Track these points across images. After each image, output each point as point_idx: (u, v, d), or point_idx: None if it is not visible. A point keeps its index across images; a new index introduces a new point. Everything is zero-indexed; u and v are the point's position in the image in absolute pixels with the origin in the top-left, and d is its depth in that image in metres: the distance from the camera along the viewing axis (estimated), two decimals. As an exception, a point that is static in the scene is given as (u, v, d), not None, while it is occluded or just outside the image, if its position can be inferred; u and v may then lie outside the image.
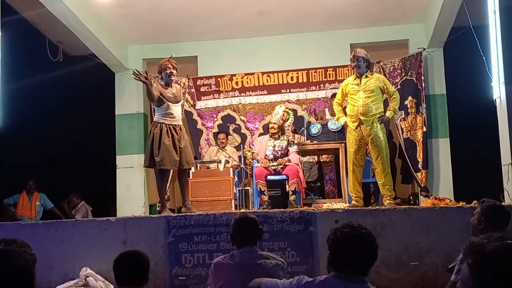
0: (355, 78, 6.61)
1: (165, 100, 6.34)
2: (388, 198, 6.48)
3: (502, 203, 5.68)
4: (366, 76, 6.52)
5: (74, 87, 10.17)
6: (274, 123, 7.72)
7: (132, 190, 9.37)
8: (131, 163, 9.47)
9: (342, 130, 7.82)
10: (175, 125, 6.43)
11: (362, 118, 6.42)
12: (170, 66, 6.47)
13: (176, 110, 6.50)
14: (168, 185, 8.70)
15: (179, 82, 8.12)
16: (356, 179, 6.59)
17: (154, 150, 6.29)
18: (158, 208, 8.85)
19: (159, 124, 6.35)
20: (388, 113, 6.57)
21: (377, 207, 6.65)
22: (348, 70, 8.68)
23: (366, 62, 6.57)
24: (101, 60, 9.04)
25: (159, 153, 6.25)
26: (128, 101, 9.65)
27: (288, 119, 8.04)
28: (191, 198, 7.02)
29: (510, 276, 1.46)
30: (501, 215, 3.87)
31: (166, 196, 8.79)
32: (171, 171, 6.99)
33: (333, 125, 8.05)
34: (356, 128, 6.50)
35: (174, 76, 6.54)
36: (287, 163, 7.41)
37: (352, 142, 6.54)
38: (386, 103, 6.81)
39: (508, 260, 1.46)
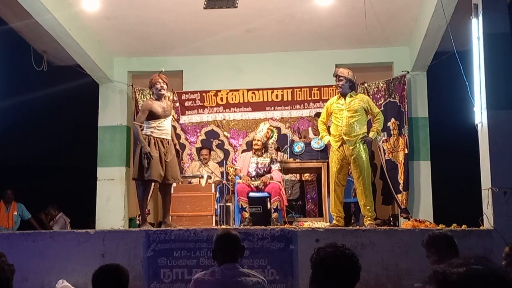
0: (339, 98, 6.65)
1: (155, 115, 6.40)
2: (369, 218, 6.49)
3: (481, 227, 5.75)
4: (351, 96, 6.57)
5: (57, 97, 10.08)
6: (258, 140, 7.72)
7: (112, 203, 9.27)
8: (112, 176, 9.37)
9: (325, 149, 7.84)
10: (163, 138, 6.47)
11: (345, 138, 6.44)
12: (160, 80, 6.51)
13: (165, 124, 6.54)
14: (149, 199, 8.67)
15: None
16: (338, 198, 6.59)
17: (142, 162, 6.30)
18: (138, 222, 8.77)
19: (147, 137, 6.38)
20: (371, 134, 6.62)
21: (358, 227, 6.66)
22: (332, 90, 8.75)
23: (349, 83, 6.58)
24: (86, 71, 8.99)
25: (146, 164, 6.27)
26: (112, 113, 9.59)
27: (272, 136, 8.05)
28: (172, 212, 6.98)
29: None
30: (444, 244, 3.90)
31: (146, 210, 8.74)
32: (153, 185, 6.96)
33: (316, 144, 8.07)
34: (339, 147, 6.52)
35: (164, 90, 6.58)
36: (270, 181, 7.40)
37: (335, 162, 6.56)
38: (369, 125, 6.86)
39: (471, 287, 1.44)
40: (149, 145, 6.30)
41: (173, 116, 9.26)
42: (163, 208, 6.74)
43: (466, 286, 1.43)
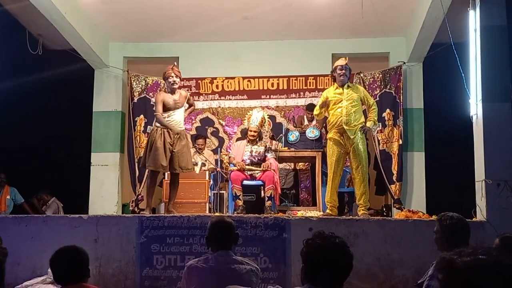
0: (336, 88, 6.64)
1: (165, 107, 6.55)
2: (363, 208, 6.50)
3: (474, 219, 5.78)
4: (348, 86, 6.58)
5: (52, 81, 10.00)
6: (254, 131, 7.65)
7: (106, 188, 9.25)
8: (106, 161, 9.35)
9: (320, 138, 7.85)
10: (170, 129, 6.49)
11: (345, 127, 6.41)
12: (173, 74, 6.63)
13: (175, 116, 6.61)
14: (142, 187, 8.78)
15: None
16: (335, 188, 6.60)
17: (147, 152, 6.45)
18: (131, 208, 8.78)
19: (157, 128, 6.53)
20: (368, 123, 6.62)
21: (351, 217, 6.68)
22: (328, 79, 8.72)
23: (349, 72, 6.68)
24: (82, 55, 8.93)
25: (149, 155, 6.40)
26: (107, 98, 9.54)
27: (265, 123, 8.02)
28: (165, 199, 7.01)
29: None
30: (461, 231, 3.87)
31: (139, 197, 8.76)
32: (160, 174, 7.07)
33: (311, 133, 8.06)
34: (338, 137, 6.51)
35: (176, 84, 6.67)
36: (267, 169, 7.37)
37: (334, 151, 6.54)
38: (364, 115, 6.86)
39: (477, 276, 1.44)
40: (155, 135, 6.43)
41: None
42: (169, 195, 6.85)
43: (469, 275, 1.45)
